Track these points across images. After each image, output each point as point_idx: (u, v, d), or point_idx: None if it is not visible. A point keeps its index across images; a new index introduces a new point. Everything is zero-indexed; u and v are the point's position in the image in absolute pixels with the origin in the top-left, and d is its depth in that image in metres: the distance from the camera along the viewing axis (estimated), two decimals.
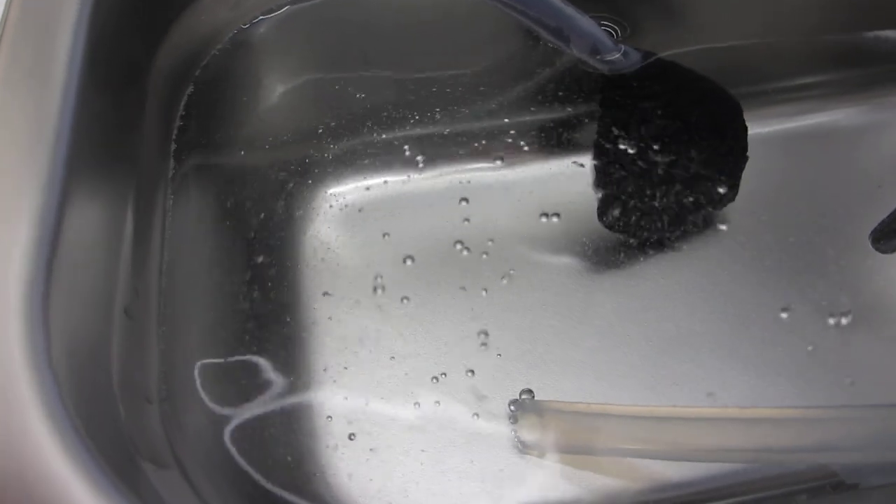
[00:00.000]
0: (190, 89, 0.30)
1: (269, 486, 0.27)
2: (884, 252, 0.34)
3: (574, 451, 0.30)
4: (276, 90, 0.34)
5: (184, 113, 0.29)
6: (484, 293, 0.33)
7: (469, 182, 0.35)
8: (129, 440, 0.19)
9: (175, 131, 0.29)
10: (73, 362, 0.17)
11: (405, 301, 0.32)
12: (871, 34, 0.41)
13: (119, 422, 0.19)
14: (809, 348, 0.33)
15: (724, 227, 0.36)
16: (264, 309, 0.30)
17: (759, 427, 0.27)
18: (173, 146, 0.29)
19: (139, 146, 0.27)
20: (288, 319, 0.30)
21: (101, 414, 0.19)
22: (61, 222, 0.19)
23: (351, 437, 0.29)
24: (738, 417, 0.28)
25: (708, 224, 0.36)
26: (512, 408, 0.31)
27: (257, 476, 0.26)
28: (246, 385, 0.28)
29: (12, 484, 0.16)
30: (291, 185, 0.33)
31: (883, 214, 0.37)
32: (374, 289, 0.32)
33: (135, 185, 0.25)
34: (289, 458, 0.28)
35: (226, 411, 0.27)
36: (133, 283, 0.23)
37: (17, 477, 0.16)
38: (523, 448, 0.30)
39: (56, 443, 0.15)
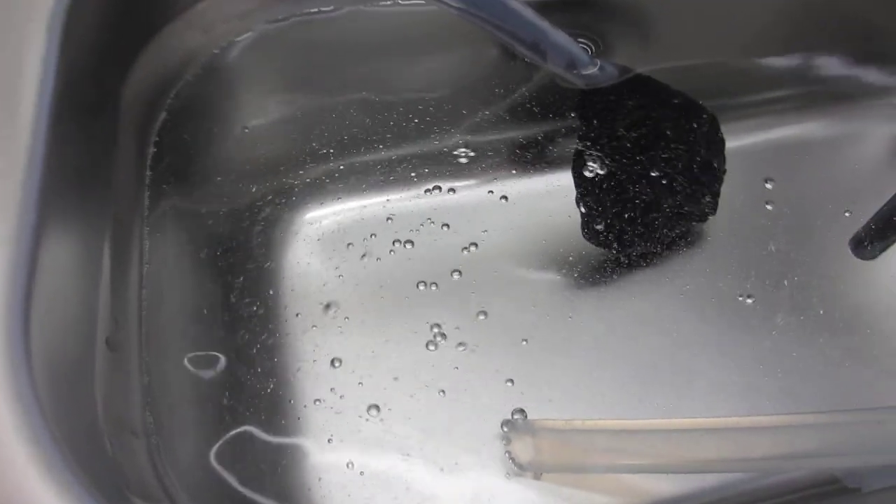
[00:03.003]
0: (163, 116, 0.29)
1: None
2: (864, 258, 0.34)
3: (568, 469, 0.29)
4: (250, 115, 0.33)
5: (157, 140, 0.29)
6: (469, 312, 0.32)
7: (449, 202, 0.35)
8: (118, 474, 0.18)
9: (149, 159, 0.28)
10: (56, 393, 0.16)
11: (387, 323, 0.32)
12: (844, 44, 0.42)
13: (106, 455, 0.18)
14: (794, 354, 0.33)
15: (706, 240, 0.36)
16: (242, 336, 0.30)
17: (755, 435, 0.27)
18: (148, 175, 0.28)
19: (114, 175, 0.26)
20: (268, 342, 0.30)
21: (88, 447, 0.18)
22: (37, 249, 0.18)
23: (349, 465, 0.29)
24: (734, 427, 0.28)
25: (690, 237, 0.36)
26: (504, 428, 0.31)
27: None
28: (229, 412, 0.28)
29: None
30: (268, 210, 0.32)
31: (859, 222, 0.37)
32: (362, 306, 0.31)
33: (111, 214, 0.24)
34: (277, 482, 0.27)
35: (211, 441, 0.26)
36: (113, 312, 0.22)
37: None
38: (518, 469, 0.30)
39: (44, 477, 0.15)
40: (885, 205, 0.34)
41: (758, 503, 0.28)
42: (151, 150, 0.28)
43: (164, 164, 0.29)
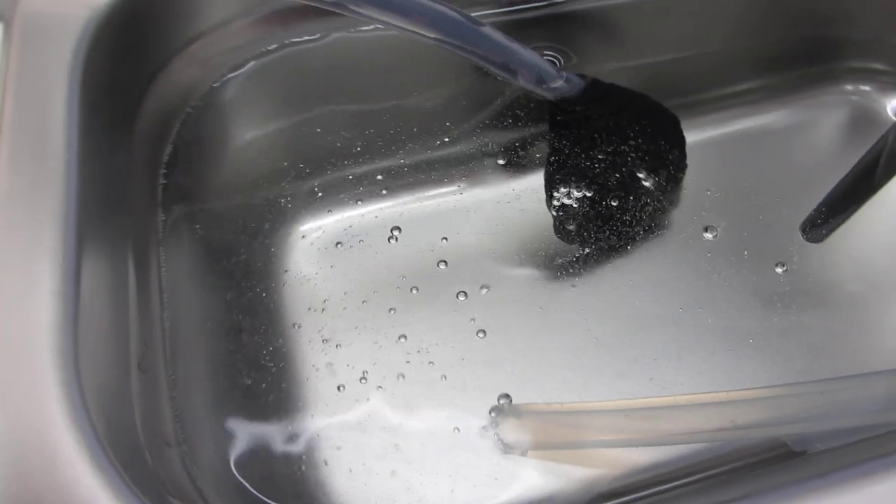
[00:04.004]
0: (169, 148, 0.32)
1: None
2: (813, 241, 0.37)
3: (552, 447, 0.33)
4: (248, 139, 0.36)
5: (165, 171, 0.32)
6: (453, 309, 0.36)
7: (436, 206, 0.38)
8: (159, 481, 0.21)
9: (160, 186, 0.31)
10: (104, 416, 0.19)
11: (385, 320, 0.35)
12: (792, 38, 0.45)
13: (148, 466, 0.22)
14: (750, 339, 0.36)
15: (669, 231, 0.39)
16: (253, 346, 0.33)
17: (724, 408, 0.30)
18: (160, 198, 0.31)
19: (131, 203, 0.29)
20: (274, 348, 0.33)
21: (134, 461, 0.21)
22: (78, 277, 0.21)
23: (351, 470, 0.32)
24: (696, 403, 0.31)
25: (656, 228, 0.39)
26: (492, 413, 0.34)
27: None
28: (247, 416, 0.31)
29: None
30: (267, 225, 0.35)
31: (811, 206, 0.40)
32: (360, 311, 0.34)
33: (132, 238, 0.27)
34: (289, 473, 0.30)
35: (233, 444, 0.29)
36: (142, 335, 0.25)
37: None
38: (505, 448, 0.33)
39: (105, 490, 0.18)
40: (832, 189, 0.37)
41: (719, 468, 0.31)
42: (161, 178, 0.31)
43: (173, 188, 0.31)
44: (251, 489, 0.28)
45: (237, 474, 0.28)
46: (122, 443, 0.20)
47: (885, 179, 0.33)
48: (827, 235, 0.37)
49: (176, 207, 0.31)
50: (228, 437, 0.29)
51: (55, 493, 0.18)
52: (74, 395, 0.19)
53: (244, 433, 0.29)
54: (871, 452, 0.25)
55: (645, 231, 0.38)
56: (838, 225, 0.37)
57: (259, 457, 0.29)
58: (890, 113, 0.43)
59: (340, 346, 0.34)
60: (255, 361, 0.32)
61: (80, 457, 0.18)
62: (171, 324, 0.28)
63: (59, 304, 0.21)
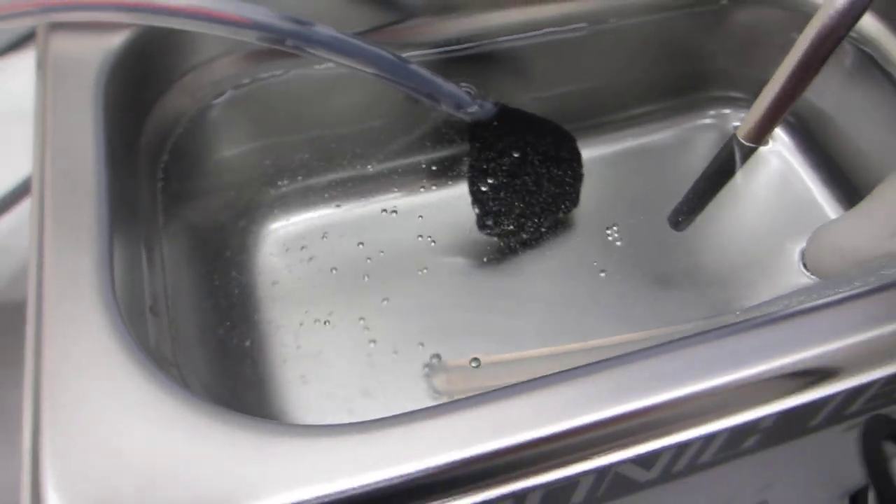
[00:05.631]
0: (165, 158, 0.40)
1: None
2: (679, 231, 0.46)
3: (473, 391, 0.41)
4: (226, 154, 0.44)
5: (163, 178, 0.40)
6: (403, 290, 0.44)
7: (380, 209, 0.47)
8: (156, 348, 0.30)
9: (159, 190, 0.39)
10: (131, 318, 0.27)
11: (335, 304, 0.43)
12: (671, 73, 0.55)
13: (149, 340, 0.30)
14: (636, 309, 0.45)
15: (570, 228, 0.48)
16: (226, 305, 0.41)
17: (604, 351, 0.39)
18: (160, 199, 0.39)
19: (139, 205, 0.37)
20: (243, 310, 0.41)
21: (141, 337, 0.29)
22: (112, 247, 0.29)
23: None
24: (593, 346, 0.40)
25: (559, 225, 0.48)
26: (426, 368, 0.42)
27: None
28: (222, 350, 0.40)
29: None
30: (242, 222, 0.44)
31: None
32: (315, 287, 0.43)
33: (144, 230, 0.35)
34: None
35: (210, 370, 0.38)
36: (153, 292, 0.33)
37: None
38: (436, 394, 0.41)
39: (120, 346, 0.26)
40: (690, 188, 0.46)
41: None
42: (160, 185, 0.39)
43: (170, 192, 0.40)
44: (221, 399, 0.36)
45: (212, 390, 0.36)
46: (139, 331, 0.28)
47: (726, 179, 0.43)
48: (687, 226, 0.46)
49: (171, 206, 0.40)
50: (207, 364, 0.37)
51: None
52: (114, 314, 0.27)
53: (219, 363, 0.38)
54: None
55: (549, 228, 0.47)
56: (695, 218, 0.46)
57: (230, 380, 0.38)
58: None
59: (308, 312, 0.42)
60: (229, 316, 0.40)
61: (126, 357, 0.26)
62: (172, 288, 0.36)
63: (99, 277, 0.28)
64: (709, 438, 0.33)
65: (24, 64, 0.61)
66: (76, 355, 0.26)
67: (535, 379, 0.26)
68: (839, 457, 0.48)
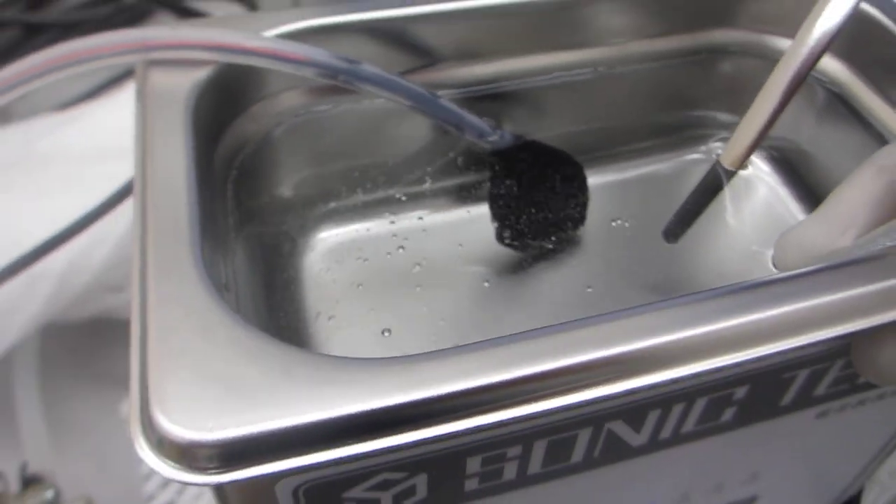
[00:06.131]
0: (234, 173, 0.48)
1: None
2: (671, 243, 0.53)
3: None
4: (286, 172, 0.52)
5: (232, 188, 0.47)
6: (432, 291, 0.51)
7: (413, 225, 0.55)
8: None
9: (229, 199, 0.47)
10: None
11: (378, 298, 0.51)
12: (670, 115, 0.62)
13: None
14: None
15: (577, 244, 0.55)
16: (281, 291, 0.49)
17: None
18: (229, 208, 0.47)
19: (217, 215, 0.45)
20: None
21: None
22: (203, 254, 0.36)
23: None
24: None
25: (569, 241, 0.55)
26: None
27: None
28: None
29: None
30: (296, 231, 0.51)
31: None
32: (357, 286, 0.51)
33: (220, 228, 0.43)
34: None
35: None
36: (225, 276, 0.40)
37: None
38: None
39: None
40: (681, 205, 0.52)
41: None
42: (229, 192, 0.47)
43: (237, 200, 0.47)
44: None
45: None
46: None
47: (712, 196, 0.49)
48: (679, 239, 0.52)
49: (237, 211, 0.47)
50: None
51: None
52: (206, 284, 0.34)
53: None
54: None
55: (558, 242, 0.54)
56: (686, 230, 0.52)
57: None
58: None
59: (339, 303, 0.50)
60: (274, 304, 0.48)
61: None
62: (235, 273, 0.43)
63: (193, 256, 0.35)
64: (690, 400, 0.39)
65: (112, 105, 0.70)
66: (177, 311, 0.33)
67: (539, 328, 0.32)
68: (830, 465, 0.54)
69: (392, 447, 0.30)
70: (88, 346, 0.69)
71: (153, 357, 0.31)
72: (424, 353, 0.31)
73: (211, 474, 0.28)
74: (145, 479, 0.60)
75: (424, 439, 0.30)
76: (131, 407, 0.30)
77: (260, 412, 0.29)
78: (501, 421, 0.31)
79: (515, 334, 0.32)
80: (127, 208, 0.61)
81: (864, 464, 0.57)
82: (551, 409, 0.31)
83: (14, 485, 0.53)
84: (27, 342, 0.64)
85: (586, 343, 0.32)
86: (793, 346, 0.34)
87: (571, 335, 0.32)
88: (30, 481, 0.53)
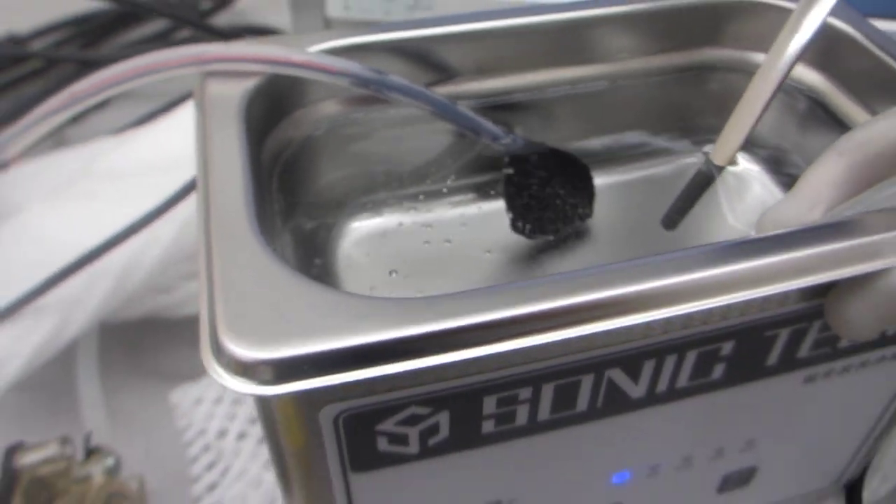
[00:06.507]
0: (278, 170, 0.55)
1: None
2: (669, 230, 0.58)
3: None
4: (322, 170, 0.58)
5: (277, 183, 0.54)
6: (456, 277, 0.57)
7: (436, 218, 0.61)
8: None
9: (274, 192, 0.53)
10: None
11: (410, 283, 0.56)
12: (671, 124, 0.68)
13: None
14: None
15: (585, 233, 0.61)
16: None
17: None
18: (275, 200, 0.53)
19: (265, 209, 0.51)
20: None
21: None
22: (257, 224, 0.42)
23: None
24: None
25: (577, 231, 0.61)
26: None
27: None
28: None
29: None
30: (331, 220, 0.58)
31: None
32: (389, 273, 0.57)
33: (271, 228, 0.49)
34: None
35: None
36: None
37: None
38: None
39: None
40: (677, 196, 0.55)
41: None
42: (274, 187, 0.54)
43: (282, 193, 0.54)
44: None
45: None
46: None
47: (704, 188, 0.55)
48: (677, 225, 0.58)
49: (281, 203, 0.54)
50: None
51: None
52: (263, 245, 0.40)
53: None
54: None
55: (569, 232, 0.60)
56: (684, 217, 0.57)
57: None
58: None
59: (373, 288, 0.56)
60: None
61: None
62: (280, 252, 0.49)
63: (253, 236, 0.41)
64: (681, 352, 0.43)
65: (157, 130, 0.77)
66: (237, 264, 0.39)
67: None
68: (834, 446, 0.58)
69: (417, 369, 0.35)
70: (140, 343, 0.75)
71: (219, 297, 0.37)
72: (446, 294, 0.37)
73: (268, 385, 0.34)
74: (191, 461, 0.66)
75: (444, 364, 0.35)
76: (201, 338, 0.36)
77: (307, 338, 0.35)
78: (509, 351, 0.36)
79: (523, 281, 0.38)
80: (174, 215, 0.68)
81: (858, 443, 0.61)
82: (556, 340, 0.36)
83: (79, 453, 0.59)
84: (89, 335, 0.71)
85: (588, 286, 0.37)
86: (768, 292, 0.39)
87: (574, 281, 0.38)
88: (92, 451, 0.58)
